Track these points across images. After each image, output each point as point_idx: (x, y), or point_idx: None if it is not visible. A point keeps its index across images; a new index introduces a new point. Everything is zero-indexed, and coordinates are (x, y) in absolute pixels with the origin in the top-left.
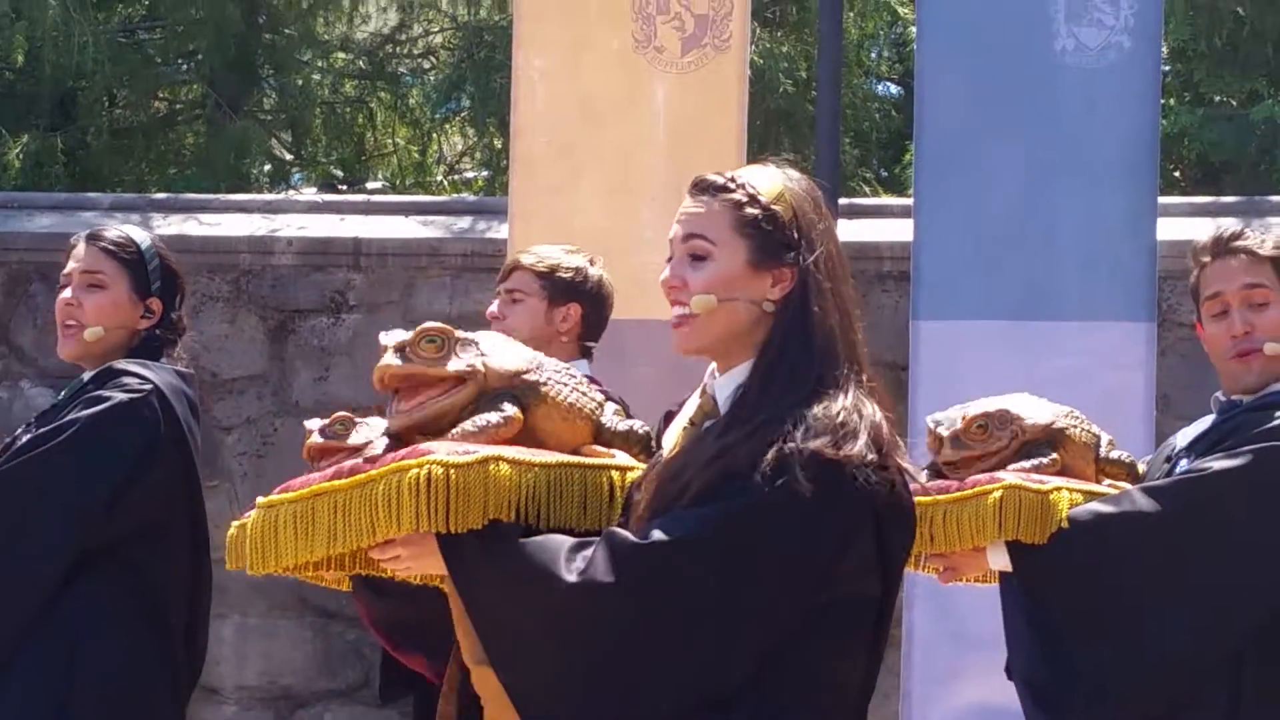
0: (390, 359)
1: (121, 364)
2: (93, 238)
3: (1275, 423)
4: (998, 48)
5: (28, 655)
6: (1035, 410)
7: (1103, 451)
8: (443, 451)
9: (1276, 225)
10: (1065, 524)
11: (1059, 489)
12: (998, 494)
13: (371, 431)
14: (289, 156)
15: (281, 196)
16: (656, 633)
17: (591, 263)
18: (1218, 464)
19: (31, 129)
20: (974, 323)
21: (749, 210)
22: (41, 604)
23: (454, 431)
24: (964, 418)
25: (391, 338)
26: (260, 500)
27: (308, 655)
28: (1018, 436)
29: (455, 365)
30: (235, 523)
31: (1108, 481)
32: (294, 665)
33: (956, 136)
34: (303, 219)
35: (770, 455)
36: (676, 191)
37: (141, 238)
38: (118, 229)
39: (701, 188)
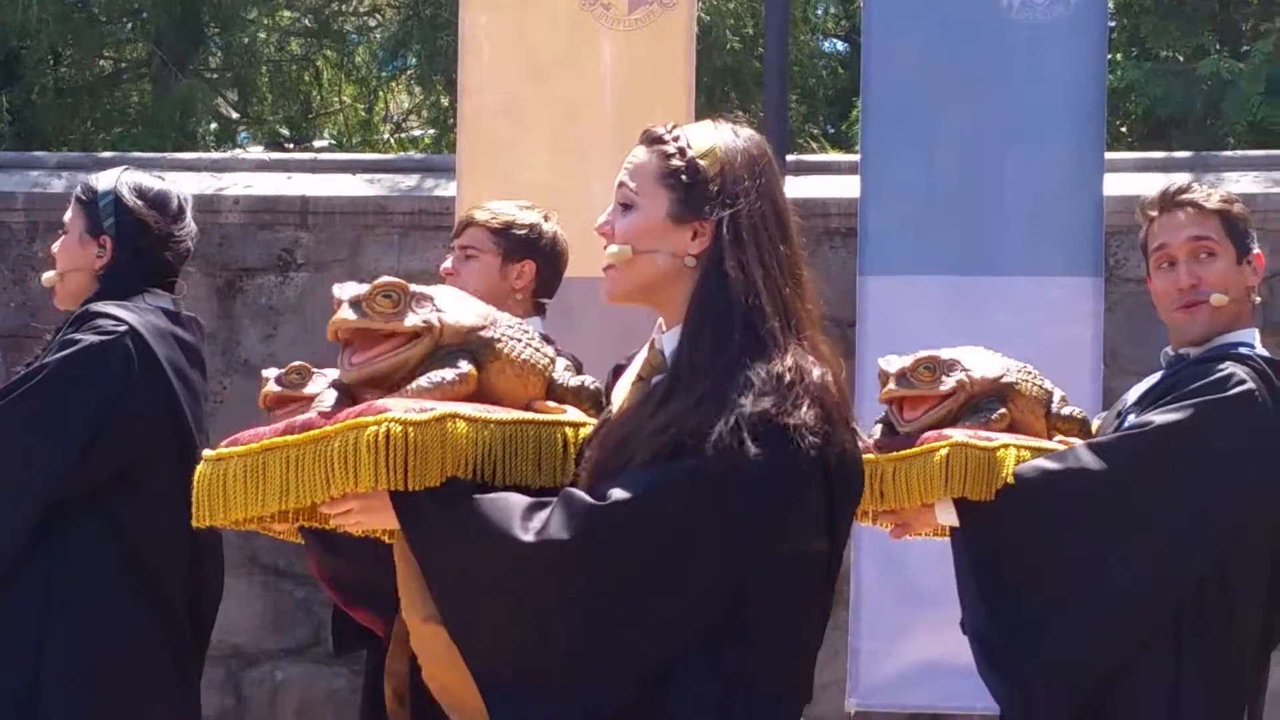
0: (345, 313)
1: (98, 306)
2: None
3: (1217, 375)
4: (945, 4)
5: (2, 611)
6: (986, 363)
7: (1054, 407)
8: (399, 409)
9: (1224, 180)
10: (1011, 480)
11: (1006, 446)
12: (944, 451)
13: (328, 383)
14: (235, 115)
15: (228, 155)
16: (610, 592)
17: (546, 219)
18: (1159, 418)
19: None
20: (921, 278)
21: (674, 162)
22: (17, 556)
23: (409, 388)
24: (914, 357)
25: (346, 291)
26: (207, 453)
27: (257, 614)
28: (965, 388)
29: (411, 320)
30: None
31: (1059, 437)
32: (244, 624)
33: (903, 92)
34: (250, 177)
35: (718, 419)
36: (624, 149)
37: (106, 180)
38: (99, 174)
39: (644, 138)
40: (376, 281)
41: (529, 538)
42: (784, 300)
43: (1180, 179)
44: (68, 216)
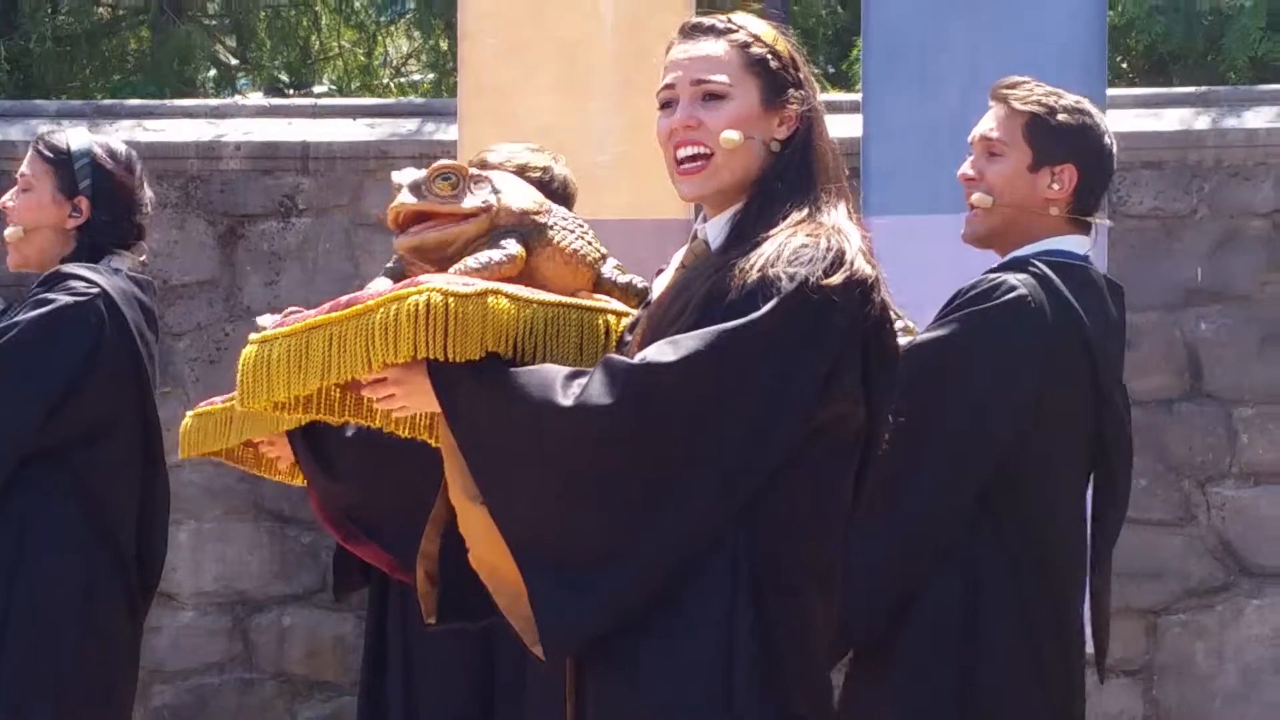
0: (405, 196)
1: (70, 268)
2: (36, 141)
3: (985, 286)
4: None
5: None
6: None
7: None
8: (442, 281)
9: (1226, 115)
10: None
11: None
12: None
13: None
14: (234, 61)
15: (228, 101)
16: (652, 453)
17: (555, 160)
18: (925, 335)
19: None
20: (924, 217)
21: (754, 50)
22: None
23: (456, 266)
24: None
25: (405, 176)
26: (253, 336)
27: (263, 560)
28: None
29: (469, 202)
30: (189, 413)
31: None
32: (250, 570)
33: (904, 30)
34: (250, 124)
35: (764, 285)
36: (625, 89)
37: (79, 139)
38: (63, 132)
39: (701, 30)
40: (435, 164)
41: (568, 402)
42: (845, 181)
43: (1014, 79)
44: (28, 171)
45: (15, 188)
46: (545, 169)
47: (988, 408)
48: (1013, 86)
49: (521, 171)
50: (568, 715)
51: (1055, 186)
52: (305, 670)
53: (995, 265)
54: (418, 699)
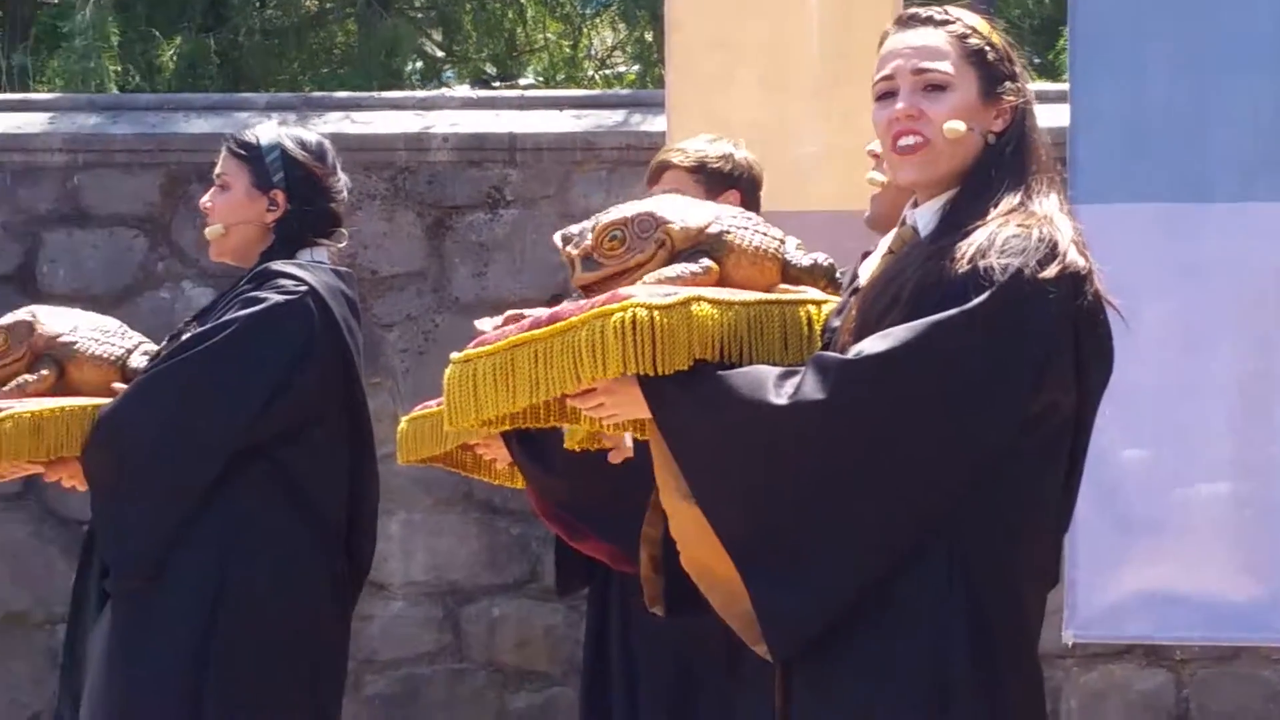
0: (582, 272)
1: (278, 265)
2: (226, 140)
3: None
4: None
5: (180, 560)
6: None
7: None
8: (643, 294)
9: None
10: None
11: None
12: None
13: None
14: (440, 54)
15: (436, 93)
16: (866, 447)
17: (735, 146)
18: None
19: (184, 31)
20: (1132, 206)
21: (972, 41)
22: (195, 506)
23: (649, 276)
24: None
25: (571, 245)
26: (455, 355)
27: (473, 550)
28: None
29: (644, 252)
30: (405, 418)
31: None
32: (460, 560)
33: (1111, 20)
34: (457, 115)
35: (976, 275)
36: (832, 83)
37: (268, 133)
38: (252, 128)
39: (919, 20)
40: (598, 226)
41: (782, 401)
42: (1055, 172)
43: None
44: (223, 170)
45: (212, 190)
46: (725, 157)
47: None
48: None
49: (702, 166)
50: (777, 707)
51: None
52: (516, 660)
53: None
54: (638, 694)
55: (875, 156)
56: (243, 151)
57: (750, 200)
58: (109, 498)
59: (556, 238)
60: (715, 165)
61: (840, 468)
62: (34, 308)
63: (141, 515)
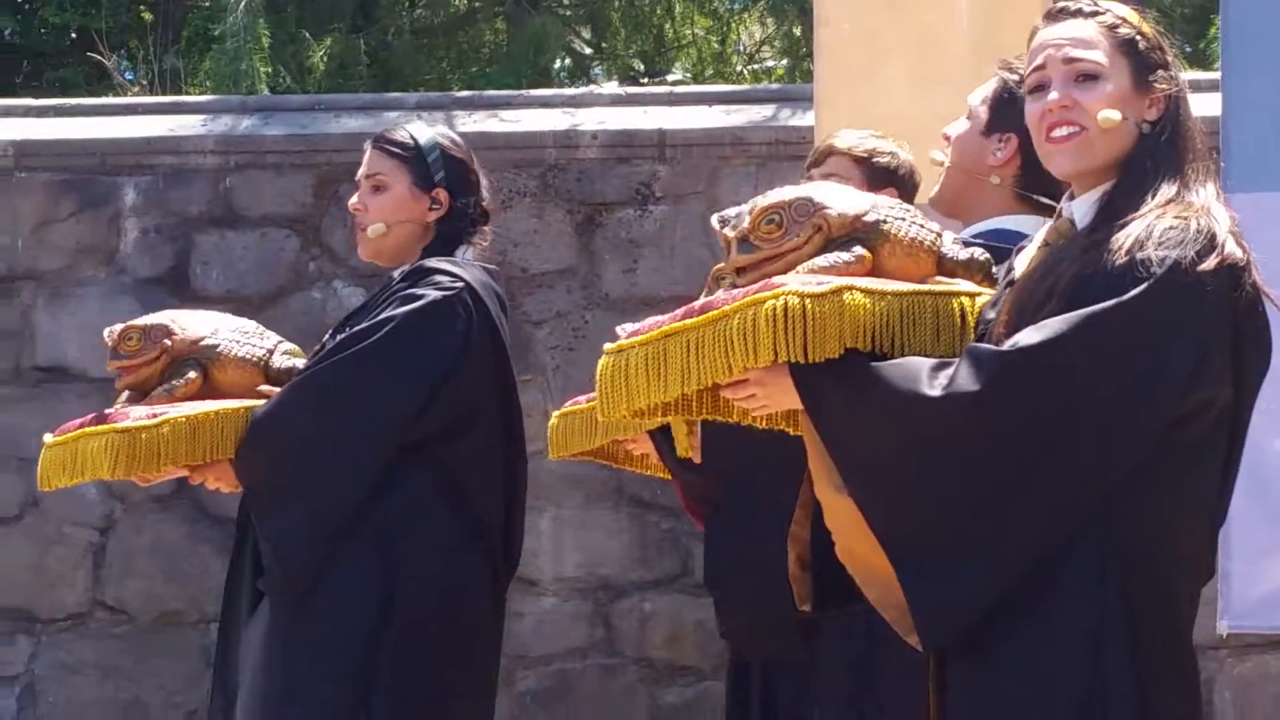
0: (739, 253)
1: (432, 262)
2: (376, 140)
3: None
4: None
5: (343, 562)
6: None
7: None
8: (795, 283)
9: None
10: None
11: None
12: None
13: None
14: (588, 51)
15: (584, 90)
16: (1020, 438)
17: (900, 148)
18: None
19: (334, 32)
20: None
21: (1123, 31)
22: (358, 505)
23: (804, 265)
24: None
25: (729, 227)
26: (608, 346)
27: (624, 545)
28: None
29: (799, 234)
30: (555, 413)
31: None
32: (611, 555)
33: (1262, 7)
34: (605, 112)
35: (1133, 267)
36: (980, 78)
37: (422, 133)
38: (401, 128)
39: (1069, 12)
40: (756, 209)
41: (936, 392)
42: (1210, 162)
43: None
44: (377, 170)
45: (362, 189)
46: (892, 154)
47: None
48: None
49: (870, 156)
50: (930, 705)
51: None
52: (667, 655)
53: None
54: (775, 688)
55: (946, 139)
56: (400, 151)
57: (906, 201)
58: (268, 501)
59: (714, 219)
60: (882, 160)
61: (994, 460)
62: (170, 312)
63: (300, 520)
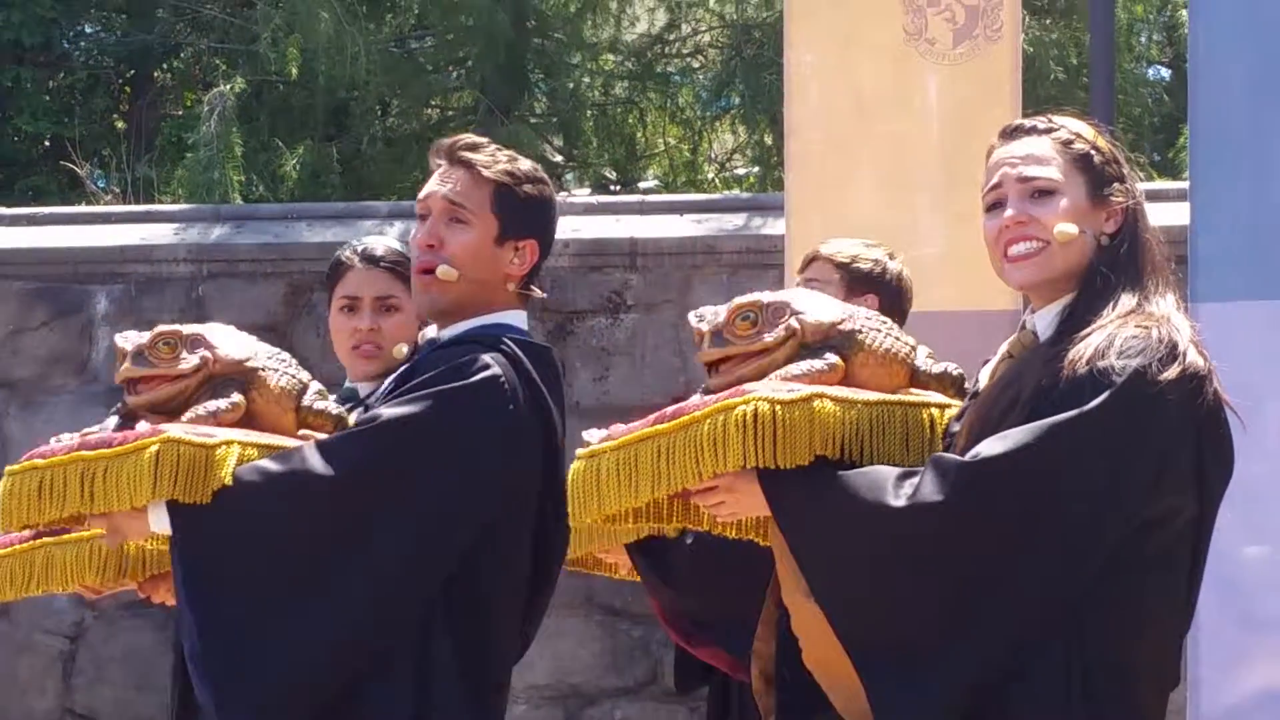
0: (708, 348)
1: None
2: (372, 260)
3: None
4: (1272, 26)
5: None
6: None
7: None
8: (766, 389)
9: None
10: (228, 482)
11: (228, 443)
12: (154, 448)
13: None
14: (561, 159)
15: (557, 198)
16: (984, 547)
17: (891, 257)
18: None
19: (306, 140)
20: (1254, 303)
21: (1077, 146)
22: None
23: (779, 372)
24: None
25: (705, 322)
26: (580, 451)
27: (595, 653)
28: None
29: (773, 335)
30: None
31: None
32: (582, 663)
33: (1231, 118)
34: (578, 221)
35: (1094, 377)
36: (951, 183)
37: (404, 248)
38: (385, 245)
39: (1023, 130)
40: (733, 305)
41: (900, 502)
42: (1169, 273)
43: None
44: (389, 289)
45: (371, 309)
46: (876, 261)
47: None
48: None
49: (851, 262)
50: None
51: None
52: None
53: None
54: None
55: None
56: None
57: (891, 308)
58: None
59: (690, 315)
60: (863, 266)
61: (958, 569)
62: (196, 326)
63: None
